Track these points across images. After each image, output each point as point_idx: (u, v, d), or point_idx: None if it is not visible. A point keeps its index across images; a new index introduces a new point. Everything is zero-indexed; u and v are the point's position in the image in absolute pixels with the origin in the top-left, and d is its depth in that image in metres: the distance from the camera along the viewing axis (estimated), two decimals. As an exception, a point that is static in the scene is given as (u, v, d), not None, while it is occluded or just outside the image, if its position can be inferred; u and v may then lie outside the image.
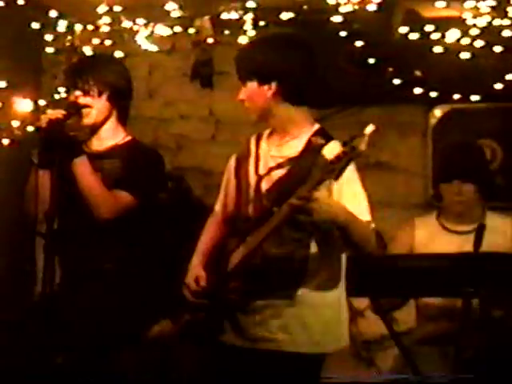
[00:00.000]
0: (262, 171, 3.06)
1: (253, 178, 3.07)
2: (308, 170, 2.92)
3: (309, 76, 3.05)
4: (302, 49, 3.08)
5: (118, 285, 3.48)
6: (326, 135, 3.05)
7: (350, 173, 2.92)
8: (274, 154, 3.06)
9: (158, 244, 3.55)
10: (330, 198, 2.90)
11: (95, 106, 3.52)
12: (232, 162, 3.20)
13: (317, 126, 3.10)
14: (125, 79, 3.60)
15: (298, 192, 2.82)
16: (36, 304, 3.62)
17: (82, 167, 3.42)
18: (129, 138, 3.61)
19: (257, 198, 3.03)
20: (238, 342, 3.00)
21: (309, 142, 3.02)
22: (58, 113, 3.41)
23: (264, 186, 3.03)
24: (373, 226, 3.00)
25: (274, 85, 3.01)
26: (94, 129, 3.57)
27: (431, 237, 3.88)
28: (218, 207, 3.23)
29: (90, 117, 3.53)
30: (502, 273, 3.51)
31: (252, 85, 3.04)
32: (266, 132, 3.14)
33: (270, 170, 3.04)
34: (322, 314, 3.01)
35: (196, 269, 3.09)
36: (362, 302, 4.25)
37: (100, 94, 3.51)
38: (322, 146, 2.96)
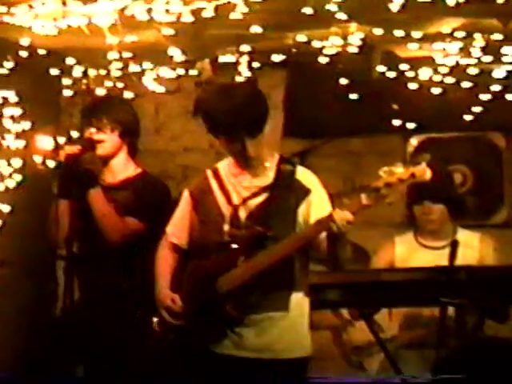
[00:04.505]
0: (236, 201, 3.02)
1: (227, 209, 3.02)
2: (285, 194, 2.98)
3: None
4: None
5: (130, 301, 3.51)
6: (290, 162, 3.09)
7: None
8: (247, 184, 3.04)
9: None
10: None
11: (108, 141, 3.58)
12: (187, 197, 3.14)
13: (278, 155, 3.10)
14: (133, 118, 3.66)
15: (338, 214, 2.84)
16: (58, 319, 3.66)
17: (95, 197, 3.47)
18: (139, 170, 3.66)
19: (234, 226, 3.00)
20: (239, 353, 2.98)
21: (278, 169, 3.04)
22: (75, 148, 3.47)
23: (242, 214, 3.01)
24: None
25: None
26: (106, 160, 3.61)
27: (410, 252, 3.93)
28: (172, 238, 3.16)
29: (103, 149, 3.58)
30: (474, 283, 3.55)
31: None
32: (223, 165, 3.11)
33: (245, 199, 3.02)
34: (306, 321, 3.05)
35: (166, 291, 3.07)
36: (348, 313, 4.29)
37: (112, 131, 3.57)
38: (293, 172, 3.02)
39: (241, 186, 3.05)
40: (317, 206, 2.99)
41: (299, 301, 3.01)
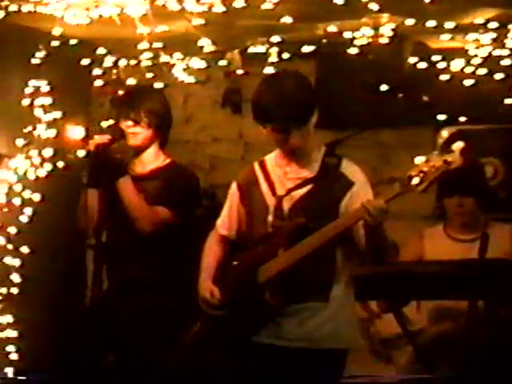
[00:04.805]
0: (280, 193, 3.05)
1: (271, 200, 3.06)
2: (329, 186, 2.99)
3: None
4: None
5: (158, 290, 3.52)
6: (335, 155, 3.09)
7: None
8: (292, 176, 3.06)
9: (192, 254, 3.60)
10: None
11: (142, 133, 3.58)
12: (234, 190, 3.17)
13: (324, 148, 3.11)
14: (168, 111, 3.66)
15: (370, 202, 2.86)
16: (87, 307, 3.69)
17: (125, 186, 3.49)
18: (168, 160, 3.67)
19: (278, 217, 3.02)
20: (277, 342, 3.00)
21: (323, 162, 3.05)
22: (104, 138, 3.48)
23: (286, 205, 3.03)
24: None
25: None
26: (138, 151, 3.63)
27: (439, 245, 3.90)
28: (221, 230, 3.21)
29: (136, 140, 3.59)
30: (504, 277, 3.52)
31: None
32: (270, 157, 3.13)
33: (290, 190, 3.04)
34: (350, 312, 3.06)
35: (207, 283, 3.10)
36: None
37: (149, 124, 3.56)
38: (338, 164, 3.03)
39: (286, 178, 3.07)
40: (359, 198, 2.97)
41: (340, 292, 3.02)
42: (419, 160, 2.89)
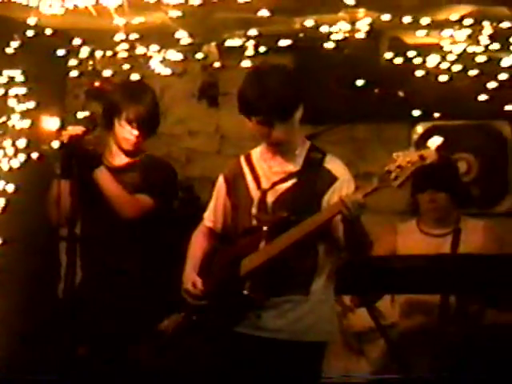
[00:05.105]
0: (265, 186, 3.08)
1: (255, 193, 3.09)
2: (312, 181, 3.02)
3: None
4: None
5: (134, 282, 3.52)
6: (319, 150, 3.12)
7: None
8: (276, 169, 3.09)
9: (168, 246, 3.59)
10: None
11: (138, 139, 3.55)
12: (221, 183, 3.21)
13: (309, 143, 3.15)
14: (158, 111, 3.63)
15: (348, 196, 2.89)
16: (60, 300, 3.67)
17: (102, 176, 3.48)
18: (144, 153, 3.66)
19: (261, 210, 3.05)
20: (257, 333, 3.03)
21: (307, 157, 3.08)
22: (78, 129, 3.46)
23: (269, 198, 3.06)
24: None
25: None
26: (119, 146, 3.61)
27: (412, 240, 3.93)
28: (207, 222, 3.24)
29: (130, 145, 3.56)
30: (475, 272, 3.55)
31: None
32: (256, 151, 3.17)
33: (274, 184, 3.07)
34: (330, 306, 3.10)
35: (191, 275, 3.13)
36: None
37: (143, 131, 3.53)
38: (322, 159, 3.06)
39: (271, 171, 3.10)
40: (342, 193, 2.99)
41: (321, 286, 3.05)
42: (396, 155, 2.92)
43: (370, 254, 3.17)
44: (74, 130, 3.46)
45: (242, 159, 3.17)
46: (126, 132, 3.55)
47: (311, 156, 3.07)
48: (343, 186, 3.04)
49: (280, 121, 3.00)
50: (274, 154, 3.10)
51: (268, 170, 3.10)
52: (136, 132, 3.55)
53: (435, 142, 2.91)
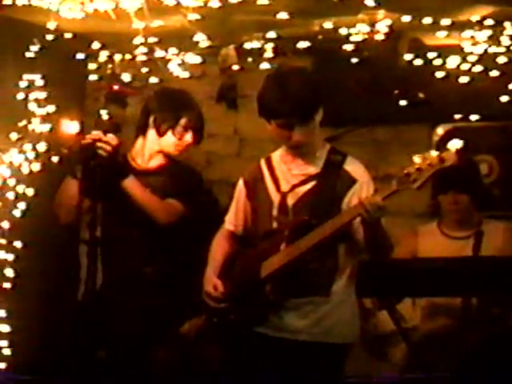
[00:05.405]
0: (284, 189, 3.09)
1: (275, 196, 3.09)
2: (332, 183, 3.02)
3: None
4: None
5: (155, 286, 3.52)
6: (340, 153, 3.12)
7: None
8: (296, 172, 3.10)
9: (189, 249, 3.59)
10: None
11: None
12: (241, 186, 3.22)
13: (329, 145, 3.15)
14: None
15: (367, 199, 2.89)
16: (80, 303, 3.68)
17: (132, 185, 3.49)
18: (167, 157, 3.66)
19: (282, 213, 3.06)
20: (278, 334, 3.04)
21: (327, 159, 3.08)
22: (99, 135, 3.45)
23: (290, 201, 3.07)
24: None
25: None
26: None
27: (433, 242, 3.90)
28: (228, 225, 3.26)
29: (180, 151, 3.62)
30: (497, 274, 3.52)
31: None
32: (276, 154, 3.17)
33: (294, 186, 3.08)
34: (351, 307, 3.10)
35: (212, 278, 3.15)
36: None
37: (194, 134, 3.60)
38: (342, 161, 3.06)
39: (290, 174, 3.11)
40: (361, 196, 2.99)
41: (342, 287, 3.06)
42: (416, 157, 2.91)
43: (391, 256, 3.17)
44: (97, 135, 3.46)
45: (263, 162, 3.18)
46: (180, 138, 3.57)
47: (331, 158, 3.08)
48: (363, 187, 3.04)
49: (300, 124, 3.01)
50: (294, 157, 3.10)
51: (288, 173, 3.11)
52: (191, 138, 3.56)
53: (455, 144, 2.90)
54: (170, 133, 3.59)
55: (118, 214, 3.54)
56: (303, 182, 3.07)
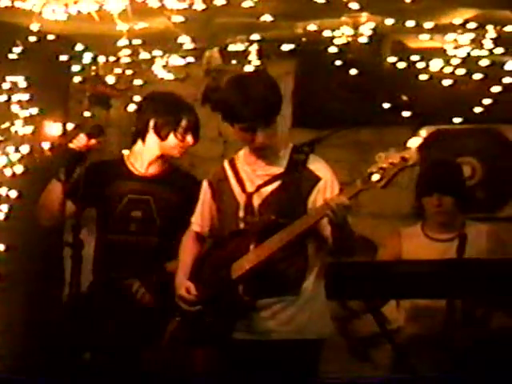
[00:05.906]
0: (250, 189, 3.10)
1: (241, 197, 3.10)
2: (296, 182, 3.03)
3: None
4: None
5: (142, 289, 3.51)
6: (303, 152, 3.13)
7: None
8: (260, 172, 3.11)
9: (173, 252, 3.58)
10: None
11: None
12: (206, 187, 3.22)
13: (292, 145, 3.16)
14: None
15: (333, 199, 2.90)
16: (64, 305, 3.66)
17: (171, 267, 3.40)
18: (166, 164, 3.62)
19: (248, 214, 3.07)
20: (248, 337, 3.04)
21: (291, 158, 3.10)
22: (83, 139, 3.42)
23: (255, 201, 3.08)
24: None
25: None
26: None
27: (417, 245, 3.91)
28: (195, 227, 3.24)
29: (179, 153, 3.60)
30: (481, 277, 3.54)
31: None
32: (239, 155, 3.18)
33: (259, 187, 3.09)
34: (321, 303, 3.10)
35: (183, 281, 3.13)
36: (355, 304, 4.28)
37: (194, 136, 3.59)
38: (305, 160, 3.08)
39: (255, 174, 3.12)
40: (326, 194, 3.02)
41: (311, 284, 3.06)
42: (377, 156, 2.92)
43: (356, 254, 3.17)
44: (82, 139, 3.45)
45: (226, 163, 3.20)
46: (182, 139, 3.56)
47: (295, 158, 3.09)
48: (327, 185, 3.06)
49: (263, 126, 3.03)
50: (257, 158, 3.12)
51: (252, 174, 3.12)
52: (192, 140, 3.58)
53: (415, 142, 2.90)
54: (171, 135, 3.58)
55: (103, 216, 3.53)
56: (268, 182, 3.08)
